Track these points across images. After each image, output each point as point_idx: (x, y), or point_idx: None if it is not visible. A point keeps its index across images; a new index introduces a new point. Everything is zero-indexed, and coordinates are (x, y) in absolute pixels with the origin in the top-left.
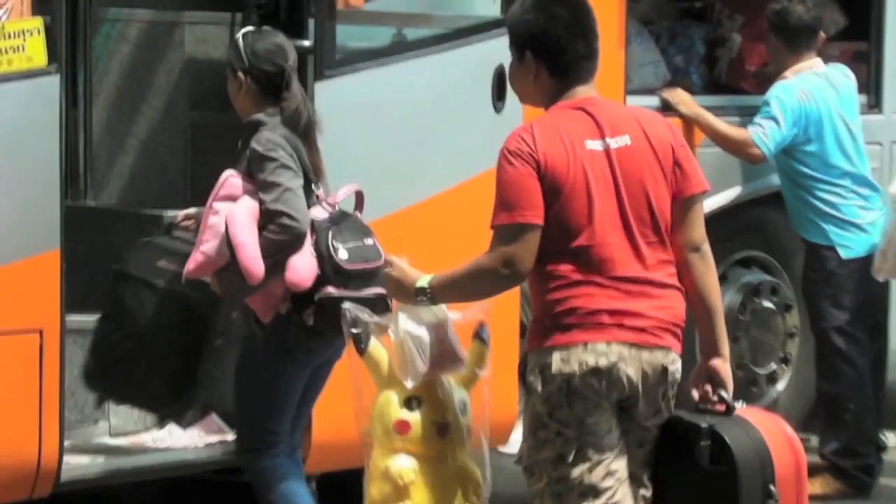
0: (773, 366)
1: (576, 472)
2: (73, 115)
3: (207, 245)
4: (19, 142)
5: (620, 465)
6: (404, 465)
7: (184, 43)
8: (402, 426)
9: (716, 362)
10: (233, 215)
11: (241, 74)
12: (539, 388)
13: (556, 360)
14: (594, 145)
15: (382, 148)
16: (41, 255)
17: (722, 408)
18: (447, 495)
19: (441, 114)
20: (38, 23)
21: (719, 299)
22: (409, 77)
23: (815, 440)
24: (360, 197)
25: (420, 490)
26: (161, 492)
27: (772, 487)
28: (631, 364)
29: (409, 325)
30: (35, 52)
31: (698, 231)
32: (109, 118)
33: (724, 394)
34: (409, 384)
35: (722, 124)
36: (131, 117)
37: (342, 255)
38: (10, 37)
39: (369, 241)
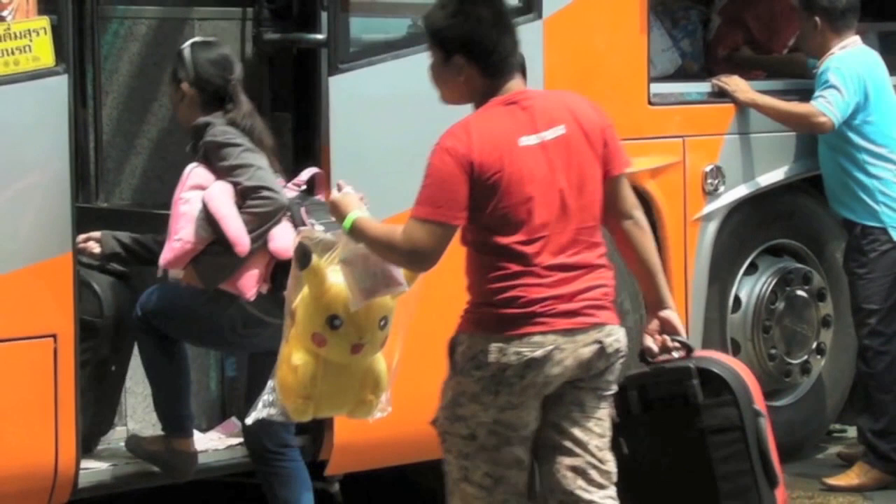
0: (807, 356)
1: (483, 454)
2: (82, 115)
3: (183, 232)
4: (28, 143)
5: (525, 454)
6: (305, 366)
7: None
8: (320, 340)
9: (665, 313)
10: (210, 194)
11: (185, 85)
12: (472, 371)
13: (494, 350)
14: (529, 140)
15: (399, 143)
16: (53, 259)
17: (683, 352)
18: (345, 390)
19: (458, 106)
20: (44, 22)
21: (657, 257)
22: (425, 69)
23: (851, 432)
24: (320, 179)
25: (321, 388)
26: (179, 494)
27: (756, 406)
28: (567, 350)
29: (346, 253)
30: (42, 51)
31: (629, 201)
32: (119, 118)
33: (680, 339)
34: (352, 308)
35: (784, 103)
36: (141, 116)
37: (319, 227)
38: (16, 37)
39: (312, 220)
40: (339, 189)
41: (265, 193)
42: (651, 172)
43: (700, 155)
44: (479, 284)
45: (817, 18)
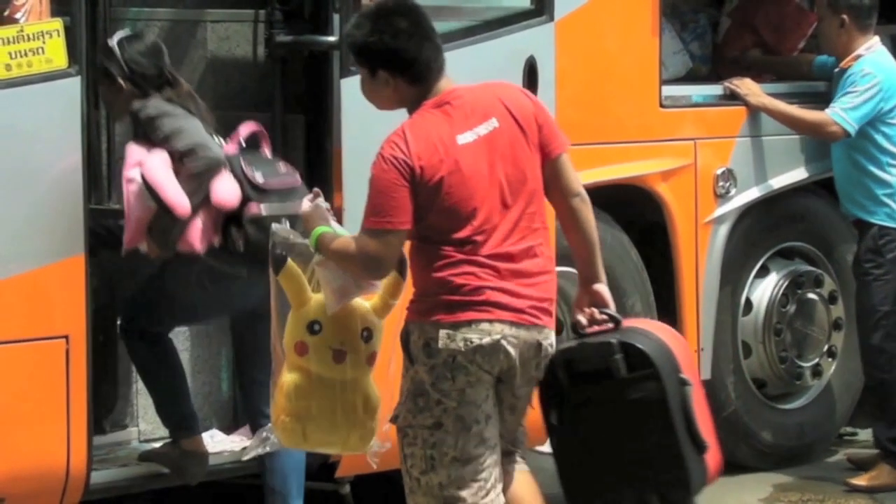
0: (818, 359)
1: (450, 439)
2: (95, 116)
3: (136, 210)
4: (41, 145)
5: (493, 433)
6: (294, 382)
7: (206, 41)
8: (301, 347)
9: (597, 286)
10: (147, 165)
11: (121, 81)
12: (424, 360)
13: (443, 337)
14: (465, 138)
15: None
16: (65, 260)
17: (611, 325)
18: (338, 413)
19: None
20: (57, 24)
21: (596, 234)
22: None
23: (863, 434)
24: (262, 135)
25: (310, 406)
26: (193, 495)
27: (682, 375)
28: (512, 341)
29: (317, 257)
30: (55, 53)
31: (574, 179)
32: None
33: (609, 311)
34: (328, 311)
35: (796, 109)
36: None
37: (258, 177)
38: (29, 39)
39: (282, 167)
40: (313, 199)
41: (199, 152)
42: (662, 175)
43: (711, 158)
44: (425, 274)
45: (844, 16)
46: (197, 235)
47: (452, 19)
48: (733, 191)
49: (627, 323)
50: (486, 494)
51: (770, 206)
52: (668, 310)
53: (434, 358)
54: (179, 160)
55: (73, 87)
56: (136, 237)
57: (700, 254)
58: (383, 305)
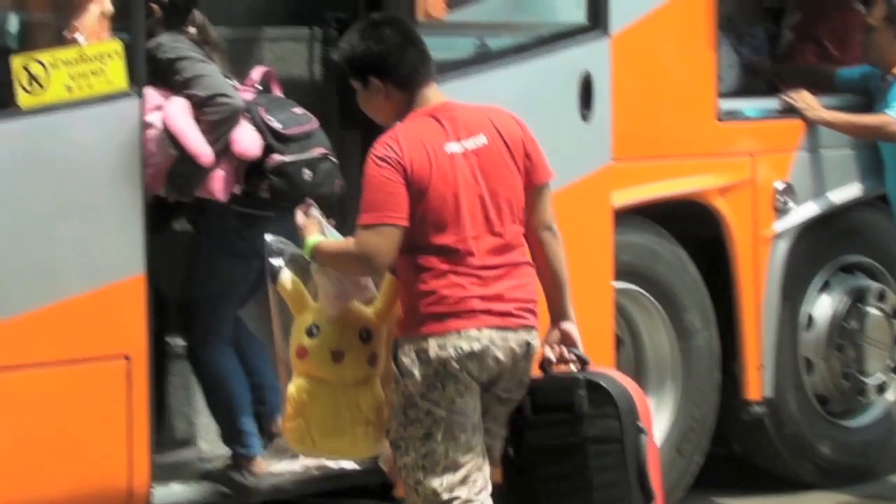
0: (882, 375)
1: (441, 448)
2: None
3: (156, 155)
4: (101, 166)
5: (479, 441)
6: (297, 387)
7: (263, 60)
8: (301, 351)
9: (567, 325)
10: (168, 112)
11: (153, 5)
12: (415, 371)
13: (433, 346)
14: (453, 148)
15: None
16: (126, 280)
17: (578, 365)
18: (342, 414)
19: (527, 124)
20: (116, 45)
21: (566, 271)
22: (492, 88)
23: None
24: (272, 76)
25: (314, 408)
26: None
27: (639, 423)
28: (501, 346)
29: (314, 265)
30: (115, 74)
31: (549, 213)
32: None
33: (577, 352)
34: (325, 314)
35: (855, 116)
36: None
37: (276, 124)
38: (89, 60)
39: (297, 110)
40: (306, 212)
41: (220, 100)
42: (720, 190)
43: (770, 172)
44: (412, 287)
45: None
46: (219, 184)
47: (507, 36)
48: (793, 205)
49: (593, 367)
50: (480, 492)
51: (830, 221)
52: (728, 326)
53: (425, 367)
54: (199, 107)
55: (132, 108)
56: (157, 184)
57: (760, 269)
58: (384, 308)
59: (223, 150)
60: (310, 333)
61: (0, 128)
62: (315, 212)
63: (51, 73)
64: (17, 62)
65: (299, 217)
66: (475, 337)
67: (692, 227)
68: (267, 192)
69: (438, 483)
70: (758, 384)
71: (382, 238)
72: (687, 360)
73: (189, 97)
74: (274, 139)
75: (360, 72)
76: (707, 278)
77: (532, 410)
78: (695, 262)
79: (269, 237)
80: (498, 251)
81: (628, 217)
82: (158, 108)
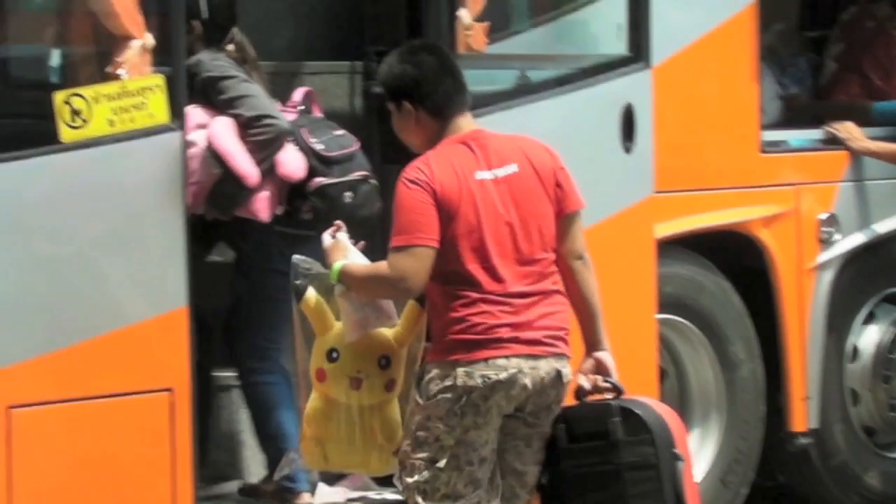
0: None
1: (444, 476)
2: None
3: (196, 173)
4: (144, 199)
5: (485, 474)
6: (314, 407)
7: None
8: (320, 374)
9: (601, 355)
10: (213, 131)
11: (194, 22)
12: (439, 396)
13: (460, 374)
14: (483, 175)
15: None
16: (169, 313)
17: (612, 394)
18: (356, 436)
19: (568, 156)
20: (158, 80)
21: (598, 300)
22: (534, 119)
23: None
24: (312, 96)
25: (329, 429)
26: None
27: (675, 450)
28: (529, 374)
29: (338, 289)
30: (157, 108)
31: (580, 242)
32: None
33: (612, 380)
34: (346, 340)
35: None
36: None
37: (319, 146)
38: (132, 94)
39: (338, 132)
40: (334, 233)
41: (266, 121)
42: (764, 221)
43: (814, 203)
44: (442, 314)
45: None
46: (262, 204)
47: (550, 68)
48: (837, 236)
49: (628, 395)
50: None
51: (875, 251)
52: (772, 357)
53: (450, 393)
54: (245, 127)
55: (174, 142)
56: (198, 203)
57: (804, 301)
58: (404, 333)
59: (267, 171)
60: (330, 358)
61: (43, 162)
62: (342, 235)
63: (93, 108)
64: (59, 97)
65: (326, 239)
66: (503, 366)
67: (736, 258)
68: (309, 213)
69: None
70: (803, 416)
71: (415, 259)
72: (732, 391)
73: (234, 117)
74: (317, 162)
75: (394, 95)
76: (751, 309)
77: (567, 439)
78: (739, 293)
79: (295, 257)
80: (528, 279)
81: (672, 249)
82: (201, 126)
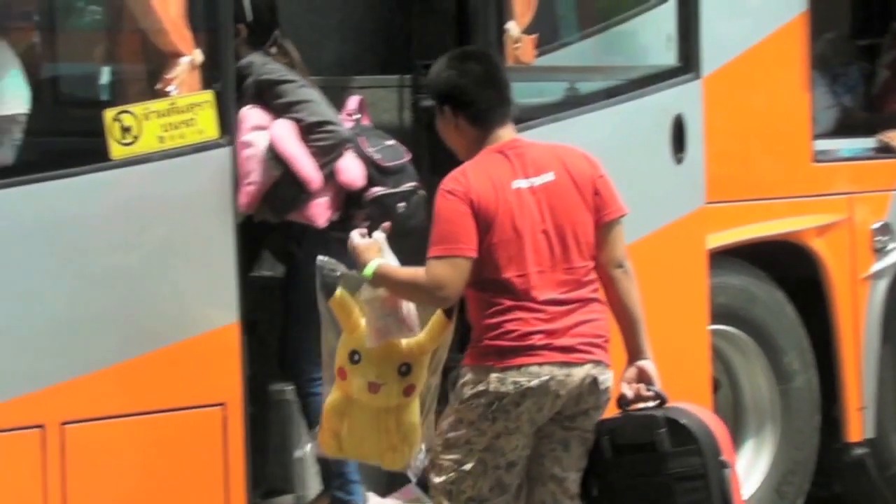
0: None
1: (470, 479)
2: None
3: (253, 175)
4: (194, 215)
5: (512, 479)
6: (334, 401)
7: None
8: (342, 373)
9: (643, 363)
10: (277, 134)
11: (239, 25)
12: (472, 400)
13: (493, 381)
14: (520, 184)
15: None
16: (220, 328)
17: (656, 402)
18: (371, 435)
19: (619, 168)
20: (208, 96)
21: (640, 309)
22: (583, 131)
23: None
24: (364, 105)
25: (346, 425)
26: None
27: (722, 458)
28: (562, 382)
29: (366, 293)
30: (206, 124)
31: (620, 250)
32: None
33: (655, 389)
34: (367, 345)
35: None
36: None
37: (377, 155)
38: (181, 111)
39: (390, 142)
40: (366, 234)
41: (329, 128)
42: (817, 231)
43: (867, 212)
44: (479, 320)
45: None
46: (319, 210)
47: (599, 79)
48: (892, 245)
49: (672, 403)
50: None
51: None
52: (827, 367)
53: (482, 398)
54: (305, 132)
55: (224, 157)
56: (252, 203)
57: (859, 310)
58: (427, 343)
59: (326, 177)
60: (352, 359)
61: (93, 179)
62: (379, 235)
63: (143, 125)
64: (109, 114)
65: (355, 237)
66: (535, 373)
67: (789, 268)
68: (366, 221)
69: None
70: (859, 425)
71: (453, 269)
72: (786, 402)
73: (294, 121)
74: (375, 171)
75: (437, 99)
76: (805, 319)
77: (612, 451)
78: (792, 303)
79: (321, 258)
80: (564, 287)
81: (724, 259)
82: (258, 128)
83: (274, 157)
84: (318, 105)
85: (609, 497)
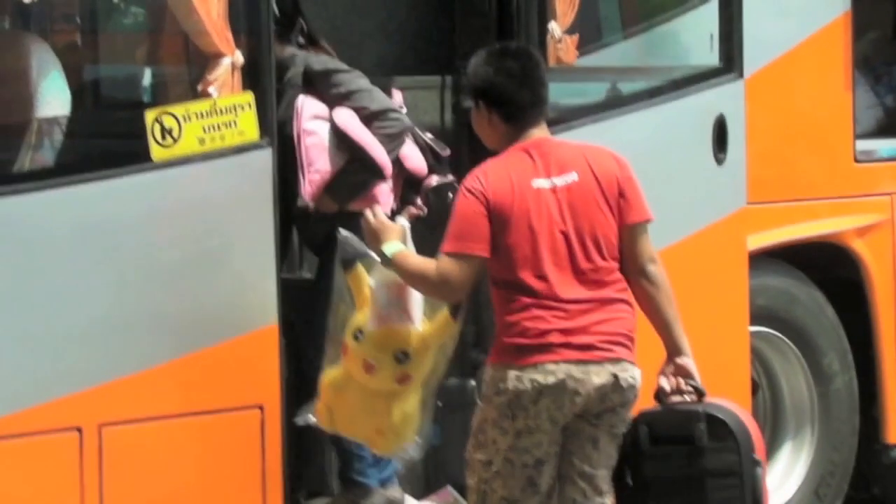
0: None
1: (500, 479)
2: (285, 187)
3: (318, 163)
4: (234, 216)
5: (545, 480)
6: (333, 374)
7: None
8: (344, 349)
9: (682, 360)
10: (346, 122)
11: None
12: (493, 398)
13: (512, 378)
14: (541, 183)
15: None
16: (259, 330)
17: (695, 396)
18: (361, 415)
19: (660, 168)
20: (248, 97)
21: (673, 309)
22: (625, 132)
23: None
24: (403, 99)
25: (340, 401)
26: None
27: (755, 456)
28: (580, 379)
29: (376, 277)
30: (247, 126)
31: (646, 253)
32: None
33: (694, 383)
34: (368, 327)
35: None
36: None
37: (436, 145)
38: (222, 112)
39: (429, 135)
40: (375, 214)
41: (393, 115)
42: (858, 231)
43: None
44: (501, 318)
45: None
46: (384, 198)
47: (641, 80)
48: None
49: (710, 398)
50: None
51: None
52: (867, 369)
53: (501, 396)
54: (368, 120)
55: (264, 159)
56: (317, 192)
57: None
58: (431, 337)
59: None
60: (355, 336)
61: (134, 181)
62: (403, 221)
63: (183, 126)
64: (150, 116)
65: (369, 216)
66: (551, 370)
67: (830, 269)
68: (424, 208)
69: None
70: None
71: (461, 267)
72: (825, 403)
73: (356, 110)
74: (433, 159)
75: (473, 93)
76: (845, 321)
77: (650, 441)
78: (832, 304)
79: (344, 232)
80: (585, 286)
81: (764, 260)
82: (318, 117)
83: (339, 144)
84: (378, 93)
85: (643, 487)
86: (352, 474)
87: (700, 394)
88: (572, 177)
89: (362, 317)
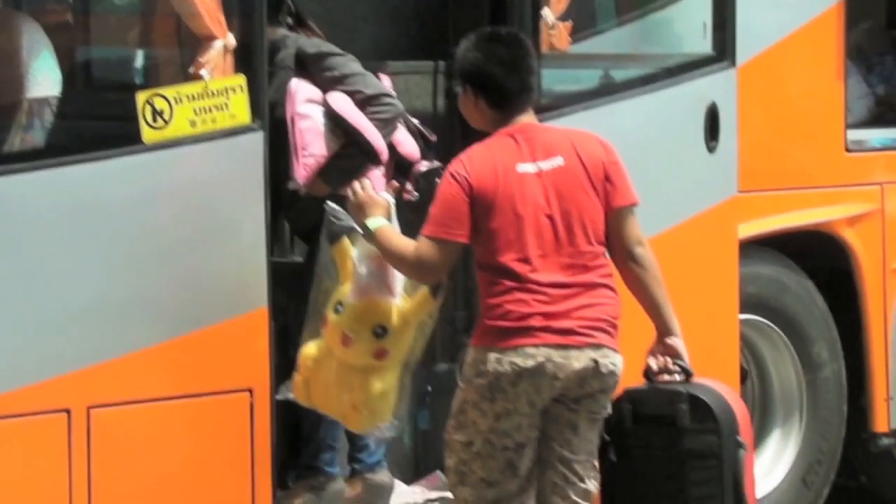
0: None
1: (479, 460)
2: (276, 170)
3: (313, 147)
4: (225, 199)
5: (524, 462)
6: (312, 347)
7: None
8: (325, 321)
9: (671, 340)
10: (341, 106)
11: None
12: (473, 380)
13: (492, 360)
14: (526, 168)
15: None
16: (249, 313)
17: (682, 376)
18: (334, 389)
19: (652, 156)
20: (240, 80)
21: (662, 290)
22: (617, 119)
23: None
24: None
25: (317, 374)
26: None
27: (739, 438)
28: (559, 364)
29: (357, 250)
30: (238, 109)
31: (633, 236)
32: None
33: (682, 363)
34: (349, 298)
35: None
36: None
37: (425, 131)
38: (213, 95)
39: (416, 120)
40: (363, 187)
41: (386, 100)
42: (848, 221)
43: None
44: (484, 301)
45: None
46: (377, 182)
47: (634, 67)
48: None
49: (697, 379)
50: None
51: None
52: (856, 357)
53: (482, 378)
54: (361, 104)
55: (256, 142)
56: (311, 176)
57: (888, 301)
58: (410, 312)
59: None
60: (335, 309)
61: (124, 163)
62: (388, 197)
63: (175, 109)
64: (141, 98)
65: (356, 188)
66: (531, 354)
67: (820, 258)
68: (414, 193)
69: (470, 493)
70: (886, 416)
71: (437, 251)
72: (814, 392)
73: (349, 94)
74: (424, 145)
75: (460, 75)
76: (834, 310)
77: (633, 419)
78: (822, 293)
79: (330, 204)
80: (569, 271)
81: (755, 249)
82: (311, 101)
83: (334, 128)
84: (371, 77)
85: (626, 464)
86: (317, 463)
87: (687, 374)
88: (558, 161)
89: (344, 290)
